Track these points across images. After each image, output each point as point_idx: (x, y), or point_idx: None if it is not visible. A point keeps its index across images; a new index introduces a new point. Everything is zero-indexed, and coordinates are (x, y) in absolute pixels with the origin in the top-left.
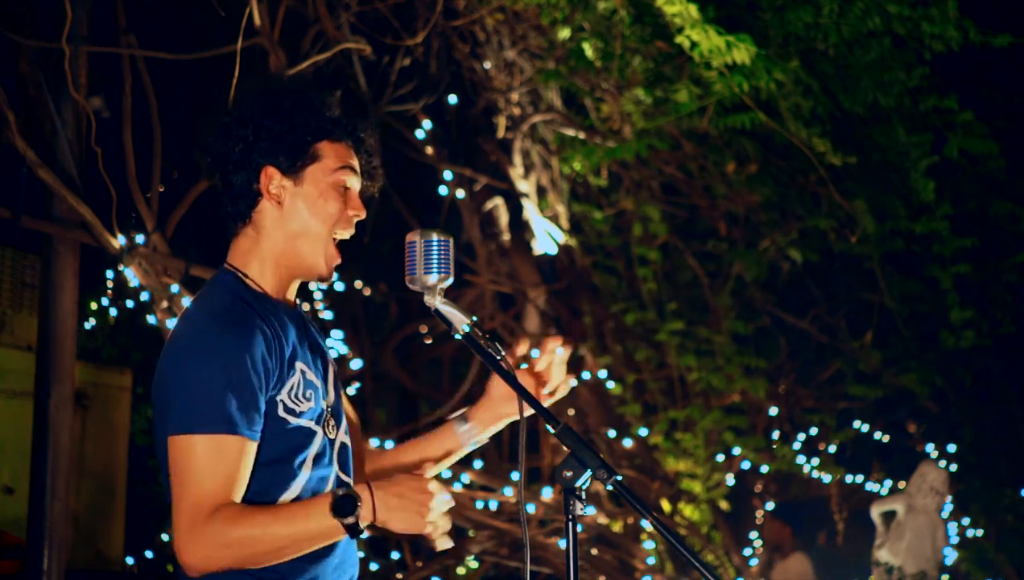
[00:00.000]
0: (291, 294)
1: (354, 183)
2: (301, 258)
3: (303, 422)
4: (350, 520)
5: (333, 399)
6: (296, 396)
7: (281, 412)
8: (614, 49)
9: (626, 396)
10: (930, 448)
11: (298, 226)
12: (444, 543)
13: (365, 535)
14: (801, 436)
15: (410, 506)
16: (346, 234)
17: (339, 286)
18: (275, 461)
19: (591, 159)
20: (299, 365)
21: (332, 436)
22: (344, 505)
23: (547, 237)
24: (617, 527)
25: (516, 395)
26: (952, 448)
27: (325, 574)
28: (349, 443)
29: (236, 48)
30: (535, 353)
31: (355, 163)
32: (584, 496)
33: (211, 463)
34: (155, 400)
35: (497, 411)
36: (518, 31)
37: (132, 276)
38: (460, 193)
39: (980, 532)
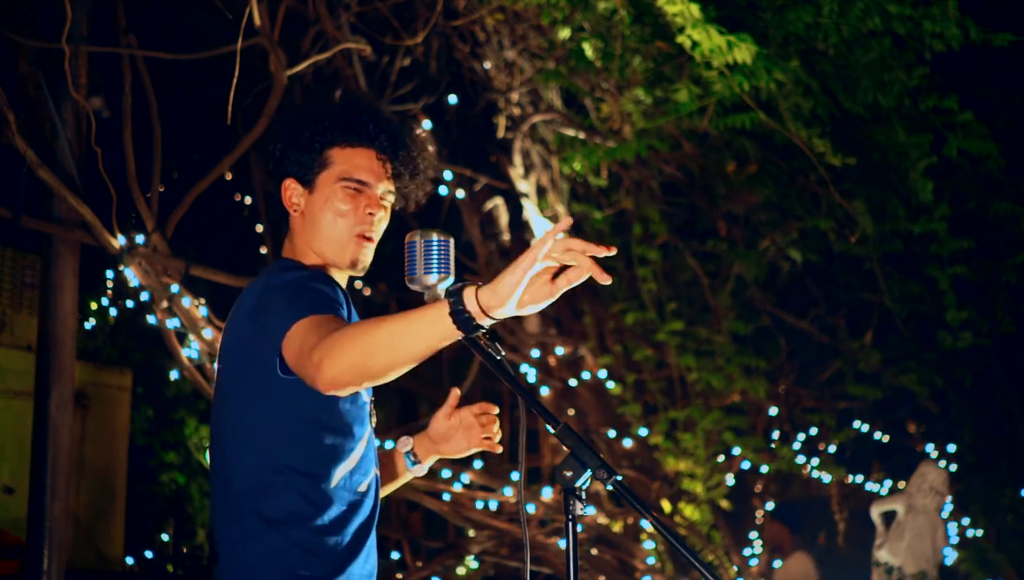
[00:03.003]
0: (343, 283)
1: (370, 183)
2: (326, 257)
3: (365, 399)
4: (459, 306)
5: (371, 394)
6: None
7: None
8: (614, 49)
9: (626, 396)
10: (930, 448)
11: (314, 230)
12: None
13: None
14: (801, 436)
15: (509, 275)
16: (369, 231)
17: None
18: (338, 431)
19: (591, 159)
20: None
21: (373, 424)
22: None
23: None
24: (617, 527)
25: (452, 436)
26: (952, 448)
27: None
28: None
29: (236, 48)
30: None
31: (368, 163)
32: (584, 496)
33: (326, 318)
34: (249, 323)
35: (436, 449)
36: (518, 31)
37: (132, 276)
38: (460, 193)
39: (980, 532)
